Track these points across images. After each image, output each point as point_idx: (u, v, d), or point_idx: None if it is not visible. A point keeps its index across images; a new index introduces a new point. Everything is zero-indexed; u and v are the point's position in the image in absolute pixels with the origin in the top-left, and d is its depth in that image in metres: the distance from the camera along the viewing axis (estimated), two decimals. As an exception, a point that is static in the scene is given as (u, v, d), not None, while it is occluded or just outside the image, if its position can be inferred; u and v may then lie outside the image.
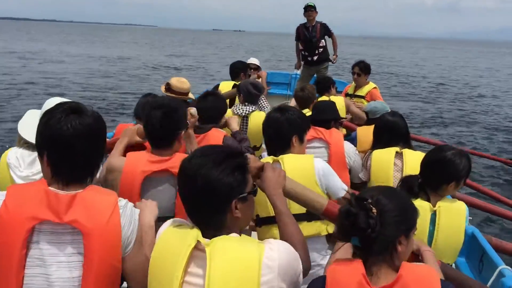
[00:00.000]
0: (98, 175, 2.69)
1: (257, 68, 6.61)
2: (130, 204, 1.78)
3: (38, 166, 2.36)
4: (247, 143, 3.66)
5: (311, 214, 2.51)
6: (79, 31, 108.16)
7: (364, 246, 1.58)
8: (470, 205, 4.40)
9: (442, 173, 2.46)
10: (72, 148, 1.65)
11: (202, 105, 3.40)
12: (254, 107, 4.31)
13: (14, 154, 2.55)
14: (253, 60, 6.72)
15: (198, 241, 1.54)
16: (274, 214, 2.34)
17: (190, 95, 4.41)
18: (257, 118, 4.21)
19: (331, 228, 2.61)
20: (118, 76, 21.79)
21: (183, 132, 2.56)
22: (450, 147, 2.57)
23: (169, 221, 1.71)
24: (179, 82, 4.29)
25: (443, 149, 2.55)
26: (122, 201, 1.75)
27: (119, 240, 1.67)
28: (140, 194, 2.39)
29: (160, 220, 2.20)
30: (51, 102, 2.62)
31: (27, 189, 1.69)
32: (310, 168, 2.59)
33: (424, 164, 2.56)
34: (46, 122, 1.68)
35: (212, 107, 3.45)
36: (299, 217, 2.40)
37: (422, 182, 2.51)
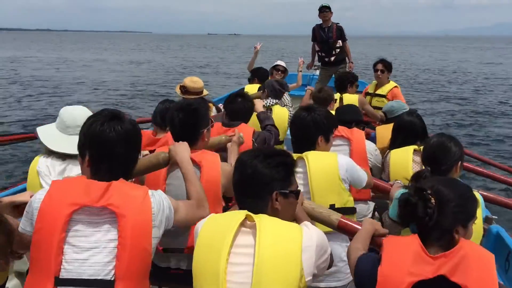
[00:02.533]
0: None
1: (284, 70, 6.69)
2: (158, 192, 1.94)
3: (68, 174, 2.52)
4: (270, 121, 3.82)
5: (334, 210, 2.53)
6: (79, 39, 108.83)
7: (422, 233, 1.67)
8: (493, 202, 4.55)
9: (447, 157, 2.53)
10: (113, 149, 1.86)
11: (231, 107, 3.57)
12: (277, 101, 4.52)
13: (44, 162, 2.61)
14: (280, 63, 6.83)
15: (245, 218, 1.75)
16: None
17: (205, 92, 4.69)
18: (280, 111, 4.44)
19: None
20: (156, 80, 23.30)
21: (205, 130, 2.66)
22: (443, 134, 2.69)
23: (210, 215, 1.88)
24: (192, 82, 4.56)
25: (437, 137, 2.66)
26: (150, 192, 1.89)
27: (150, 225, 1.80)
28: (165, 179, 2.52)
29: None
30: (66, 110, 2.74)
31: (69, 182, 1.89)
32: (333, 166, 2.65)
33: (428, 156, 2.63)
34: (90, 124, 1.90)
35: (241, 108, 3.58)
36: None
37: (432, 172, 2.54)
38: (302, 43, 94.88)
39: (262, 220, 1.72)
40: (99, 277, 1.72)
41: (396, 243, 1.69)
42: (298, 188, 1.95)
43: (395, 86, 5.89)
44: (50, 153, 2.63)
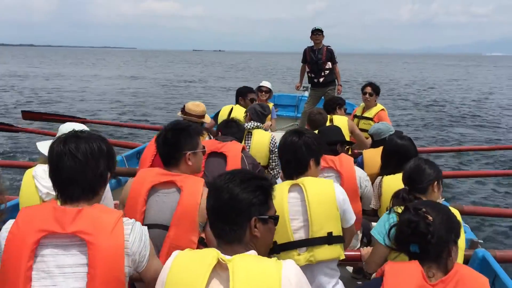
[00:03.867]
0: (111, 202, 2.87)
1: (268, 91, 6.64)
2: (139, 223, 1.86)
3: None
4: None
5: (331, 238, 2.56)
6: (65, 55, 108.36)
7: (422, 252, 1.74)
8: (479, 213, 4.78)
9: (421, 178, 2.67)
10: (56, 162, 1.80)
11: (226, 131, 3.83)
12: (259, 124, 4.55)
13: (40, 167, 2.73)
14: (264, 83, 6.78)
15: (218, 260, 1.61)
16: (293, 240, 2.51)
17: (206, 117, 4.69)
18: (261, 135, 4.43)
19: (343, 255, 2.65)
20: (152, 92, 24.39)
21: (189, 153, 2.61)
22: (419, 158, 2.83)
23: (175, 252, 1.74)
24: (194, 105, 4.60)
25: (414, 160, 2.79)
26: (130, 220, 1.83)
27: (122, 253, 1.73)
28: (145, 201, 2.47)
29: (157, 228, 2.42)
30: (66, 124, 2.98)
31: (37, 208, 1.81)
32: (331, 192, 2.59)
33: (405, 176, 2.76)
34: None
35: (235, 132, 3.85)
36: (320, 240, 2.53)
37: (410, 191, 2.69)
38: (286, 60, 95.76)
39: (236, 265, 1.60)
40: None
41: (397, 270, 1.71)
42: (277, 214, 1.88)
43: (382, 109, 5.99)
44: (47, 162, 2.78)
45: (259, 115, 4.71)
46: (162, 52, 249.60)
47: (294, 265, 1.66)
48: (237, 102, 5.97)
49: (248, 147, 4.35)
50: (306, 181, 2.61)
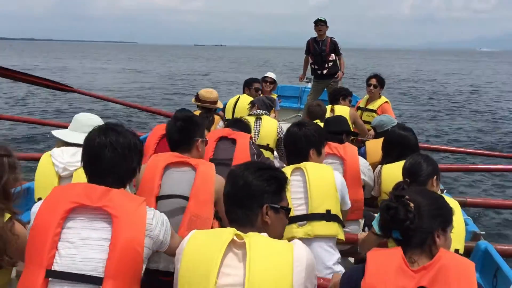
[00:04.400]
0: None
1: (273, 82, 6.80)
2: (158, 211, 2.00)
3: (79, 156, 2.61)
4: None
5: (330, 215, 2.69)
6: (67, 49, 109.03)
7: (405, 239, 1.74)
8: (484, 206, 4.78)
9: (420, 172, 2.74)
10: (98, 154, 1.94)
11: (237, 127, 3.87)
12: (267, 112, 4.77)
13: (57, 149, 2.86)
14: (269, 74, 6.91)
15: (234, 237, 1.71)
16: (294, 215, 2.63)
17: (219, 104, 4.97)
18: (270, 121, 4.62)
19: (343, 236, 2.77)
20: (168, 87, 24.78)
21: (200, 140, 2.83)
22: (419, 154, 2.94)
23: (192, 231, 1.84)
24: (207, 92, 4.85)
25: (414, 155, 2.88)
26: (151, 208, 1.96)
27: (143, 230, 1.84)
28: (161, 175, 2.59)
29: (176, 197, 2.54)
30: (81, 114, 3.12)
31: (70, 185, 2.02)
32: (331, 176, 2.76)
33: (405, 169, 2.84)
34: (88, 136, 2.01)
35: (244, 129, 3.91)
36: (319, 216, 2.67)
37: (409, 184, 2.67)
38: (287, 54, 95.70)
39: (252, 239, 1.70)
40: (89, 273, 1.76)
41: (379, 256, 1.73)
42: (289, 206, 1.97)
43: (386, 102, 5.99)
44: (65, 145, 2.88)
45: (267, 106, 4.88)
46: (164, 46, 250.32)
47: (304, 245, 1.76)
48: (243, 92, 6.23)
49: (257, 131, 4.53)
50: (308, 164, 2.79)
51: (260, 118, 4.65)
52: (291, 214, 2.58)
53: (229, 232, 1.73)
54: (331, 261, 2.66)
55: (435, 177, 2.77)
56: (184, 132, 2.79)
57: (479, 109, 18.05)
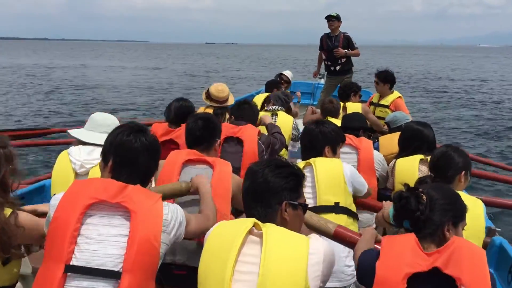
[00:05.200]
0: None
1: (288, 81, 6.85)
2: (173, 204, 2.06)
3: (96, 155, 2.71)
4: (277, 129, 4.13)
5: (338, 208, 2.76)
6: (82, 48, 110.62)
7: (415, 229, 1.79)
8: (496, 205, 4.69)
9: (449, 166, 2.67)
10: (136, 157, 2.00)
11: (238, 113, 3.89)
12: (282, 108, 4.80)
13: (74, 148, 2.89)
14: (286, 73, 6.96)
15: (254, 226, 1.78)
16: None
17: (230, 100, 4.80)
18: (285, 117, 4.67)
19: (355, 228, 2.76)
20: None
21: (218, 141, 2.92)
22: (449, 145, 2.85)
23: (218, 223, 1.94)
24: (217, 91, 4.68)
25: (443, 147, 2.83)
26: (164, 202, 2.00)
27: (160, 226, 1.88)
28: (179, 173, 2.65)
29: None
30: (98, 114, 3.16)
31: (89, 180, 2.08)
32: (339, 170, 2.83)
33: (432, 163, 2.79)
34: (117, 134, 2.05)
35: (247, 115, 3.89)
36: (327, 209, 2.74)
37: (435, 179, 2.65)
38: (298, 52, 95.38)
39: (269, 230, 1.74)
40: (107, 268, 1.80)
41: (393, 240, 1.79)
42: (306, 202, 2.00)
43: (399, 97, 5.95)
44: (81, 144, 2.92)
45: (282, 102, 4.91)
46: (175, 45, 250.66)
47: (320, 239, 1.80)
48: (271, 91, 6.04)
49: None
50: (317, 160, 2.89)
51: (276, 114, 4.69)
52: None
53: (250, 222, 1.79)
54: (344, 253, 2.69)
55: (463, 172, 2.69)
56: (206, 131, 2.84)
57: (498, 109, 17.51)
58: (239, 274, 1.68)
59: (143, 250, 1.82)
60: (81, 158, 2.81)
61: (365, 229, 2.29)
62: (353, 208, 2.87)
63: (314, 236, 1.81)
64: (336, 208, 2.75)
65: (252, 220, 1.80)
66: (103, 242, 1.83)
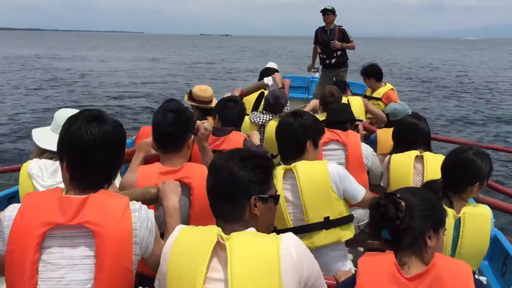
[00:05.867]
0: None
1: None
2: (144, 207, 1.79)
3: (61, 175, 2.23)
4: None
5: (329, 222, 2.55)
6: (76, 39, 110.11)
7: (394, 239, 1.65)
8: (493, 207, 4.69)
9: (465, 174, 2.38)
10: (90, 154, 1.69)
11: (223, 112, 3.49)
12: (272, 115, 4.25)
13: (36, 164, 2.56)
14: (269, 65, 6.63)
15: (219, 237, 1.61)
16: (291, 226, 2.51)
17: (214, 101, 4.27)
18: (273, 127, 3.99)
19: (350, 233, 2.62)
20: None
21: (192, 137, 2.55)
22: (470, 147, 2.49)
23: (179, 226, 1.76)
24: (201, 90, 4.23)
25: (464, 150, 2.47)
26: (136, 204, 1.76)
27: (130, 241, 1.67)
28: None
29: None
30: (60, 112, 2.75)
31: (42, 196, 1.72)
32: (324, 174, 2.55)
33: (445, 167, 2.49)
34: (68, 128, 1.73)
35: (232, 113, 3.49)
36: (317, 227, 2.53)
37: (445, 186, 2.43)
38: (294, 43, 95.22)
39: (233, 243, 1.59)
40: None
41: (370, 265, 1.64)
42: (278, 193, 1.86)
43: (391, 89, 6.00)
44: (41, 154, 2.63)
45: (273, 107, 4.36)
46: (170, 36, 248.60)
47: (293, 236, 1.66)
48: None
49: (261, 140, 4.14)
50: (298, 166, 2.58)
51: (264, 126, 4.20)
52: (288, 225, 2.52)
53: (214, 234, 1.62)
54: (336, 263, 2.59)
55: (478, 182, 2.39)
56: (178, 126, 2.45)
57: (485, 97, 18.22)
58: None
59: (114, 274, 1.64)
60: (46, 183, 2.51)
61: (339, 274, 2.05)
62: (346, 212, 2.64)
63: (284, 236, 1.65)
64: (327, 224, 2.55)
65: (216, 231, 1.63)
66: (67, 266, 1.64)
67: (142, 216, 1.74)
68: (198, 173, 2.34)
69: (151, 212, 1.81)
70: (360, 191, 2.66)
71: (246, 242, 1.61)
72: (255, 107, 5.09)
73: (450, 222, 2.29)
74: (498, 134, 12.01)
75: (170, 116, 2.44)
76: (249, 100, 5.14)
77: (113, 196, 1.76)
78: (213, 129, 3.43)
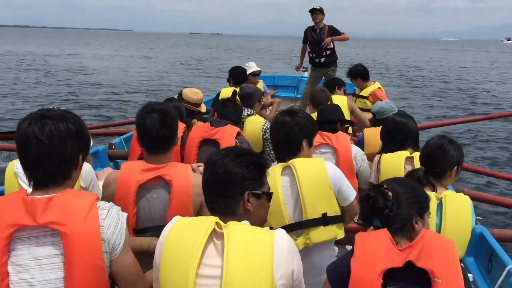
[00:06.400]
0: (99, 192, 2.63)
1: (258, 74, 6.53)
2: (118, 208, 1.78)
3: None
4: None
5: (326, 219, 2.56)
6: (66, 36, 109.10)
7: (385, 226, 1.80)
8: (476, 199, 4.31)
9: (443, 160, 2.61)
10: (26, 151, 1.67)
11: (222, 110, 3.66)
12: (250, 110, 4.24)
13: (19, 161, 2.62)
14: (251, 64, 6.58)
15: (216, 225, 1.67)
16: (289, 223, 2.53)
17: (202, 106, 4.46)
18: (252, 123, 4.16)
19: (343, 233, 2.64)
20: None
21: (177, 137, 2.55)
22: (443, 136, 2.72)
23: (175, 217, 1.78)
24: (192, 92, 4.33)
25: (438, 139, 2.70)
26: (107, 204, 1.75)
27: (98, 239, 1.65)
28: (135, 202, 2.37)
29: (153, 230, 2.35)
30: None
31: (6, 200, 1.69)
32: (323, 172, 2.56)
33: (425, 156, 2.70)
34: (17, 127, 1.72)
35: (231, 113, 3.67)
36: (315, 222, 2.53)
37: (426, 173, 2.62)
38: (285, 43, 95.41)
39: (231, 230, 1.65)
40: None
41: (367, 238, 1.78)
42: (271, 191, 1.92)
43: (378, 88, 6.02)
44: None
45: (244, 100, 4.37)
46: (159, 34, 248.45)
47: (285, 233, 1.73)
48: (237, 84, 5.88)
49: None
50: (296, 162, 2.58)
51: (243, 122, 4.15)
52: (286, 222, 2.54)
53: (211, 222, 1.69)
54: (328, 263, 2.58)
55: (456, 166, 2.64)
56: (166, 129, 2.44)
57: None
58: (203, 279, 1.61)
59: (85, 270, 1.62)
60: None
61: None
62: (339, 211, 2.65)
63: (278, 231, 1.72)
64: (325, 220, 2.56)
65: (213, 220, 1.70)
66: (37, 267, 1.62)
67: (112, 215, 1.72)
68: (180, 173, 2.38)
69: (124, 214, 1.79)
70: (352, 193, 2.67)
71: (243, 230, 1.67)
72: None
73: (433, 204, 2.46)
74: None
75: (156, 117, 2.42)
76: (226, 95, 5.32)
77: (79, 195, 1.73)
78: (210, 121, 3.62)
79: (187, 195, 2.36)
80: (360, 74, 6.14)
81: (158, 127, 2.40)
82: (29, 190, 2.05)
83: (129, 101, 15.27)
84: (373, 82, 6.19)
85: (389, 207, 1.78)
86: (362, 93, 6.11)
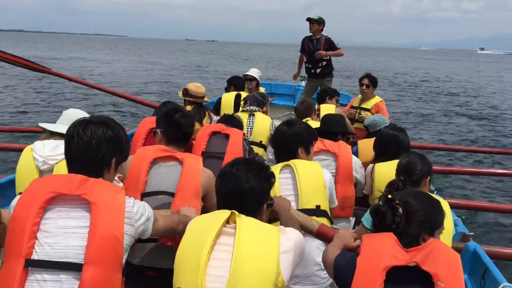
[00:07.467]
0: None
1: (253, 79, 6.77)
2: (137, 200, 2.01)
3: (60, 150, 2.60)
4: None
5: (319, 211, 2.74)
6: (61, 41, 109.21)
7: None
8: (461, 207, 4.80)
9: (413, 173, 2.77)
10: (73, 147, 1.94)
11: (229, 124, 3.86)
12: (259, 108, 4.86)
13: (38, 143, 2.81)
14: (251, 72, 6.87)
15: (229, 218, 1.83)
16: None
17: (206, 99, 5.02)
18: (263, 118, 4.74)
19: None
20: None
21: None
22: (414, 153, 2.92)
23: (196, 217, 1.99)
24: (196, 87, 4.87)
25: (411, 155, 2.88)
26: (130, 198, 1.97)
27: (122, 213, 1.85)
28: (147, 172, 2.58)
29: (162, 194, 2.54)
30: (70, 109, 3.11)
31: (49, 176, 2.01)
32: (319, 171, 2.82)
33: (402, 169, 2.84)
34: (68, 129, 2.00)
35: (236, 125, 3.90)
36: (309, 212, 2.69)
37: (404, 183, 2.75)
38: (282, 51, 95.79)
39: (243, 219, 1.81)
40: (68, 260, 1.76)
41: (374, 238, 1.82)
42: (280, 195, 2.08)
43: (380, 101, 6.01)
44: (49, 137, 2.87)
45: (259, 102, 4.95)
46: (155, 41, 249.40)
47: (291, 229, 1.90)
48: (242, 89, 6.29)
49: (250, 127, 4.63)
50: (297, 162, 2.84)
51: (253, 115, 4.72)
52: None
53: (226, 213, 1.84)
54: (319, 257, 2.63)
55: (428, 177, 2.82)
56: (191, 128, 2.89)
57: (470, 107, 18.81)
58: (214, 261, 1.74)
59: (105, 241, 1.78)
60: (45, 154, 2.71)
61: (342, 231, 2.26)
62: (330, 212, 2.86)
63: (282, 228, 1.88)
64: (317, 211, 2.74)
65: (227, 212, 1.84)
66: (62, 234, 1.80)
67: (139, 204, 1.96)
68: (192, 157, 2.72)
69: (147, 204, 2.03)
70: (336, 202, 2.99)
71: (254, 223, 1.82)
72: (236, 108, 5.63)
73: None
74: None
75: (187, 119, 2.87)
76: (228, 102, 5.80)
77: (111, 184, 1.96)
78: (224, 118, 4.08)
79: (197, 173, 2.58)
80: (375, 84, 6.15)
81: (189, 125, 2.85)
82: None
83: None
84: (374, 95, 6.14)
85: (397, 223, 1.78)
86: (364, 105, 6.03)
